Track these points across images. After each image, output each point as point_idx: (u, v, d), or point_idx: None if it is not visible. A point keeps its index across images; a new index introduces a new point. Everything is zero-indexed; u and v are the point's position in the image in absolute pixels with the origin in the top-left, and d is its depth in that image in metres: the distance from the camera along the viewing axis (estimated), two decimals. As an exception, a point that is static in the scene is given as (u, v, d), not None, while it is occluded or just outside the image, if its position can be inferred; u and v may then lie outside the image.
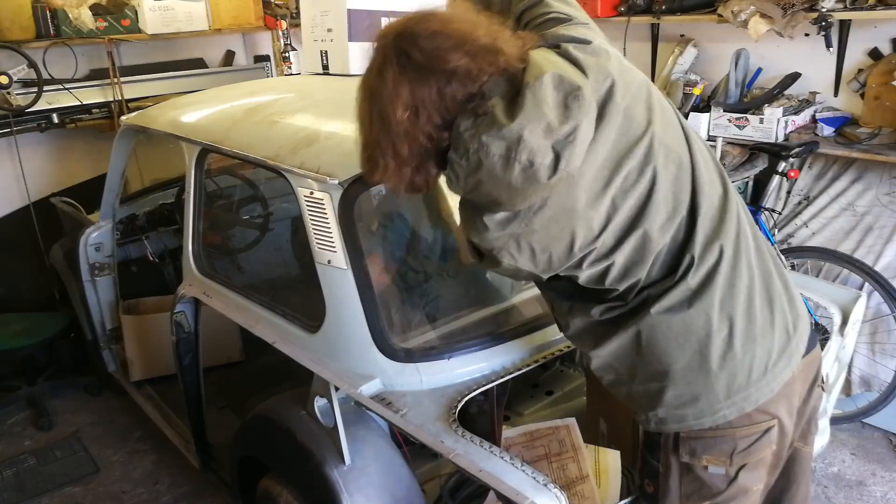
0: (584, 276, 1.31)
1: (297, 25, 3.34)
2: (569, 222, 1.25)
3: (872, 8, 2.96)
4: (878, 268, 3.02)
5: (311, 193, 1.77)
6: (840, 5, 3.04)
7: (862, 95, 3.19)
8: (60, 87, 3.65)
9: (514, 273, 1.35)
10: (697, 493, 1.38)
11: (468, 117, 1.19)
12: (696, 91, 3.45)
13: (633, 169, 1.26)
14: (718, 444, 1.33)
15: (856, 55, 3.21)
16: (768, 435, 1.35)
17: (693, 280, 1.29)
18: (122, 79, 3.80)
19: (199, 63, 4.26)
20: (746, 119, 3.22)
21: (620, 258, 1.29)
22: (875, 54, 3.16)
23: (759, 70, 3.48)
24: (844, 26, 3.17)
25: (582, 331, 1.41)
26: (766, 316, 1.35)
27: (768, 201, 3.22)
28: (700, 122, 3.31)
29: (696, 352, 1.30)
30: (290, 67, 4.19)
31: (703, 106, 3.44)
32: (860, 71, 3.19)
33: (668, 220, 1.29)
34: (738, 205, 1.37)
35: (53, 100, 3.64)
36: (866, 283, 2.98)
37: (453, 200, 2.09)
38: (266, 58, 4.46)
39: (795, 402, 1.40)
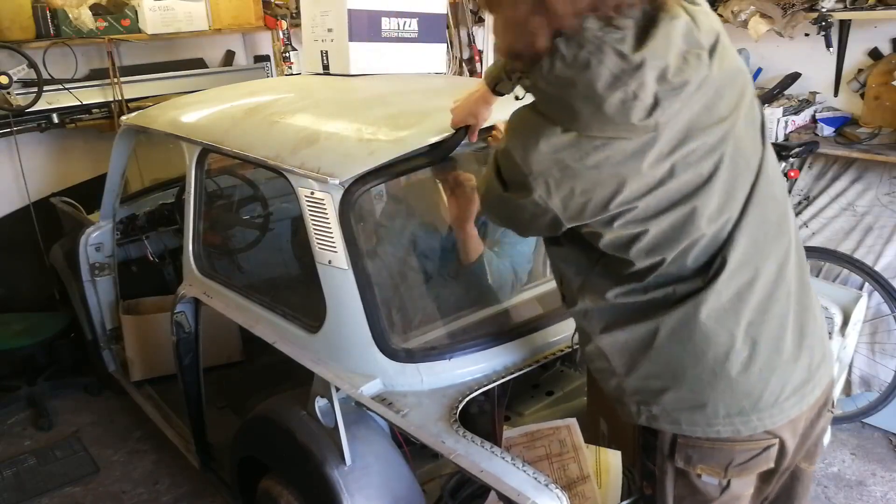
0: (611, 237, 1.25)
1: (298, 25, 3.34)
2: (623, 171, 1.19)
3: (872, 8, 2.97)
4: (878, 268, 3.03)
5: (312, 193, 1.77)
6: (840, 5, 3.05)
7: (862, 95, 3.19)
8: (60, 87, 3.64)
9: (535, 215, 1.27)
10: (691, 498, 1.37)
11: (599, 21, 1.15)
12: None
13: (702, 147, 1.21)
14: (715, 455, 1.32)
15: (856, 55, 3.21)
16: (767, 452, 1.32)
17: (725, 293, 1.25)
18: (122, 79, 3.79)
19: (199, 63, 4.25)
20: (746, 119, 3.21)
21: (655, 229, 1.23)
22: (875, 54, 3.16)
23: (759, 70, 3.48)
24: (844, 26, 3.17)
25: (590, 311, 1.36)
26: (793, 349, 1.31)
27: (768, 201, 3.22)
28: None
29: (711, 366, 1.27)
30: (290, 67, 4.18)
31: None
32: (860, 71, 3.20)
33: (717, 211, 1.24)
34: (793, 233, 1.34)
35: (53, 100, 3.63)
36: (866, 283, 2.98)
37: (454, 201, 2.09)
38: (266, 58, 4.45)
39: (801, 425, 1.37)
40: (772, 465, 1.35)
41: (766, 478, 1.41)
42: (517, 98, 1.38)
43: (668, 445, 1.34)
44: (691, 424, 1.30)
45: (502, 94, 1.68)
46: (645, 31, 1.14)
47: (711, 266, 1.26)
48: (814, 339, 1.36)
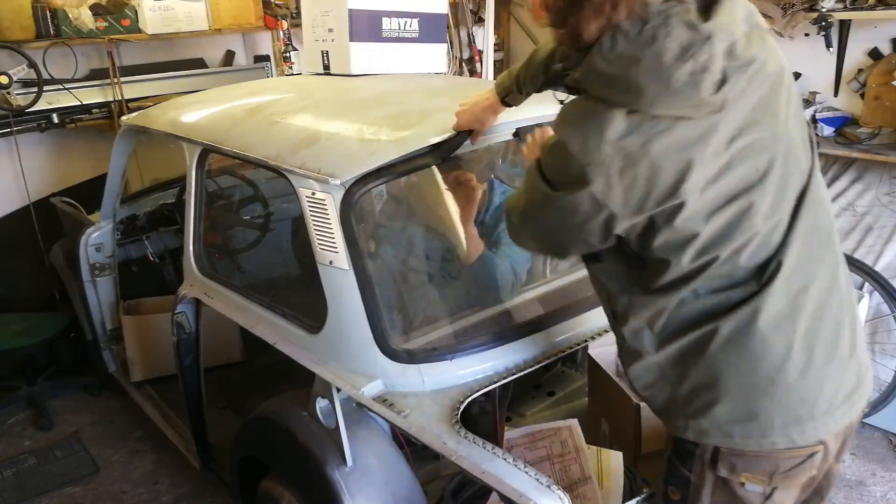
0: (667, 237, 1.21)
1: (298, 25, 3.34)
2: (687, 157, 1.15)
3: (872, 8, 2.97)
4: (878, 268, 3.03)
5: (313, 194, 1.77)
6: (840, 5, 3.05)
7: (862, 95, 3.20)
8: (60, 87, 3.64)
9: (587, 216, 1.21)
10: None
11: None
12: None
13: (758, 142, 1.19)
14: (760, 463, 1.29)
15: (856, 55, 3.22)
16: (812, 459, 1.30)
17: (781, 298, 1.22)
18: (122, 79, 3.79)
19: (199, 63, 4.24)
20: (747, 119, 3.22)
21: (713, 225, 1.20)
22: (875, 54, 3.17)
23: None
24: (844, 26, 3.17)
25: (641, 329, 1.32)
26: (844, 357, 1.30)
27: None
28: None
29: (767, 373, 1.24)
30: (291, 67, 4.18)
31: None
32: (860, 71, 3.20)
33: (770, 209, 1.22)
34: (839, 243, 1.33)
35: (53, 100, 3.63)
36: (866, 283, 2.99)
37: (454, 202, 2.09)
38: (266, 58, 4.44)
39: (843, 429, 1.36)
40: (815, 471, 1.33)
41: (808, 484, 1.38)
42: (560, 102, 1.37)
43: (709, 453, 1.30)
44: (745, 437, 1.26)
45: (510, 106, 1.68)
46: (708, 7, 1.12)
47: (766, 269, 1.23)
48: (859, 347, 1.36)
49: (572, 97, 1.29)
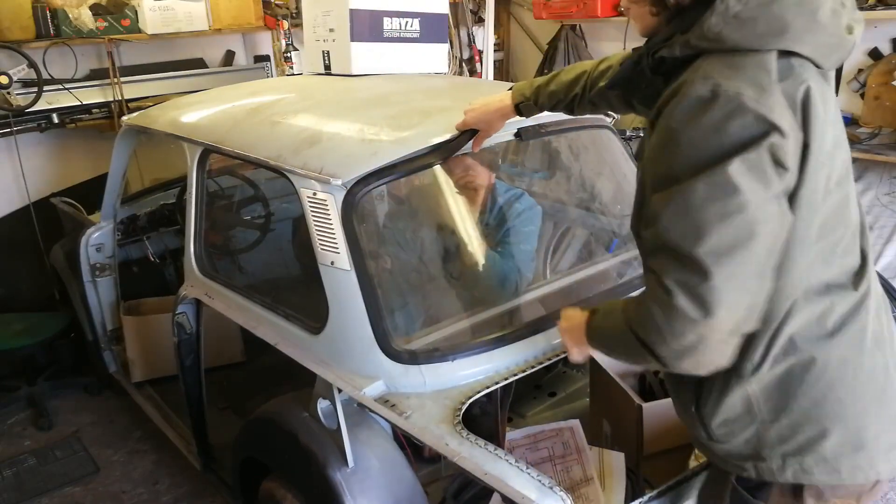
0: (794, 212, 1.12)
1: (298, 25, 3.34)
2: (826, 115, 1.13)
3: (872, 8, 2.97)
4: (878, 268, 3.03)
5: (314, 194, 1.77)
6: (841, 6, 3.05)
7: (862, 95, 3.20)
8: (60, 87, 3.64)
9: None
10: None
11: None
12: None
13: (840, 135, 1.19)
14: (849, 486, 1.22)
15: (856, 55, 3.21)
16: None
17: (872, 311, 1.20)
18: (122, 79, 3.79)
19: (199, 63, 4.25)
20: (747, 119, 3.22)
21: (825, 209, 1.16)
22: (875, 54, 3.17)
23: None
24: (845, 27, 3.17)
25: (747, 346, 1.19)
26: None
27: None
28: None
29: (875, 394, 1.19)
30: (291, 67, 4.19)
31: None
32: (860, 71, 3.20)
33: (856, 205, 1.22)
34: None
35: (53, 100, 3.63)
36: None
37: (455, 203, 2.09)
38: (266, 58, 4.45)
39: None
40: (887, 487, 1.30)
41: None
42: (638, 129, 1.36)
43: (790, 484, 1.23)
44: (854, 469, 1.19)
45: (522, 115, 1.68)
46: None
47: (861, 279, 1.21)
48: None
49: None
